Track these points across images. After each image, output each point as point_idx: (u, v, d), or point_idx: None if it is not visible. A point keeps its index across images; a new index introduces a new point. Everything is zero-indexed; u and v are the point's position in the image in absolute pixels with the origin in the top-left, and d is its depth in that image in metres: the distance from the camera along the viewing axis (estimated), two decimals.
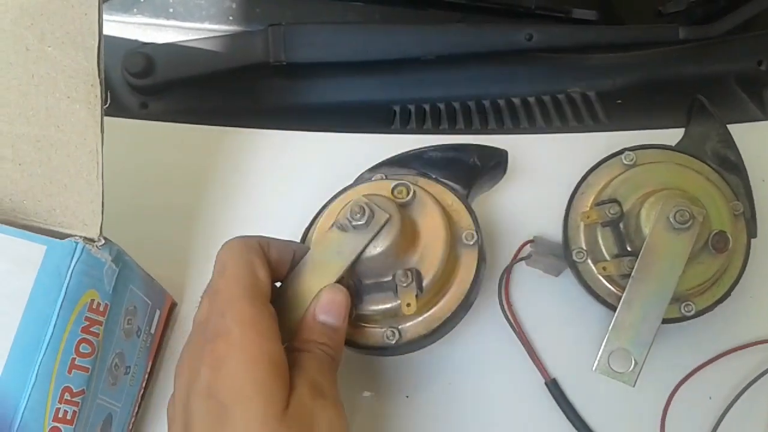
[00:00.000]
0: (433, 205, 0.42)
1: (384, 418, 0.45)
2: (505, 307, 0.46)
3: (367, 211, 0.39)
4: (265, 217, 0.50)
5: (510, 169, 0.51)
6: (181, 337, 0.47)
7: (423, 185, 0.44)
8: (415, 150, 0.46)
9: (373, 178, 0.45)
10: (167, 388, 0.45)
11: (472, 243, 0.43)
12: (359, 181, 0.46)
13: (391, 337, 0.42)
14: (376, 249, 0.39)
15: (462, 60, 0.61)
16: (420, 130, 0.57)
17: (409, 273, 0.40)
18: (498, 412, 0.45)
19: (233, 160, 0.53)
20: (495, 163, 0.47)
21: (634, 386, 0.40)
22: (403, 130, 0.58)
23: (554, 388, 0.45)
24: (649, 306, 0.41)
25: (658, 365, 0.45)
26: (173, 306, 0.47)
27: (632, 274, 0.41)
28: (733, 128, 0.53)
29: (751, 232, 0.45)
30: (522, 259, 0.47)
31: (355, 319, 0.42)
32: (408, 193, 0.42)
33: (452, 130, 0.57)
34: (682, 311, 0.44)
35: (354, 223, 0.39)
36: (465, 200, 0.44)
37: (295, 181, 0.51)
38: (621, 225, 0.44)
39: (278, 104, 0.61)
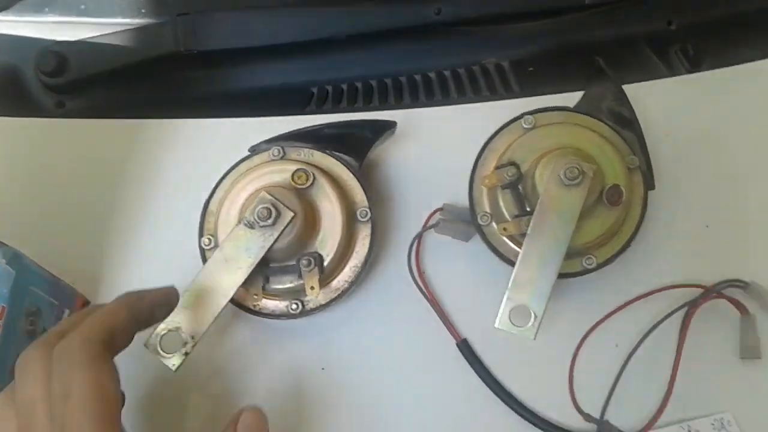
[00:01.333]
0: (331, 189, 0.44)
1: (301, 390, 0.46)
2: (416, 273, 0.47)
3: (274, 212, 0.40)
4: (182, 206, 0.50)
5: (423, 140, 0.53)
6: None
7: (318, 159, 0.46)
8: (311, 127, 0.47)
9: (270, 150, 0.46)
10: None
11: (366, 219, 0.45)
12: (257, 150, 0.47)
13: (295, 309, 0.44)
14: (282, 243, 0.41)
15: (376, 38, 0.62)
16: (336, 110, 0.58)
17: (311, 259, 0.42)
18: (413, 375, 0.46)
19: (150, 151, 0.53)
20: (387, 134, 0.48)
21: (534, 339, 0.41)
22: (319, 110, 0.58)
23: (465, 347, 0.46)
24: (545, 261, 0.42)
25: (566, 318, 0.47)
26: (85, 304, 0.47)
27: (528, 231, 0.42)
28: (640, 86, 0.55)
29: (649, 185, 0.47)
30: (432, 226, 0.48)
31: (263, 293, 0.43)
32: (308, 179, 0.43)
33: (367, 108, 0.58)
34: (584, 265, 0.45)
35: (261, 223, 0.40)
36: (359, 174, 0.46)
37: (214, 168, 0.51)
38: (520, 186, 0.45)
39: (197, 93, 0.61)
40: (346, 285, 0.45)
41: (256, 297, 0.43)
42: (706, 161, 0.51)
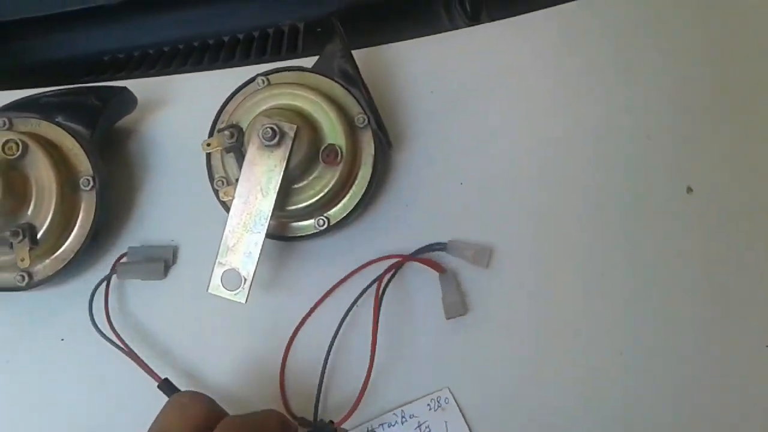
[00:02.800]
0: (44, 157, 0.44)
1: (41, 362, 0.46)
2: (104, 325, 0.44)
3: None
4: None
5: (181, 106, 0.53)
6: None
7: (45, 129, 0.46)
8: (32, 95, 0.47)
9: None
10: None
11: (89, 188, 0.45)
12: None
13: (21, 281, 0.44)
14: None
15: (168, 3, 0.61)
16: (113, 78, 0.58)
17: (20, 230, 0.42)
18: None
19: None
20: (118, 100, 0.48)
21: (245, 302, 0.41)
22: (98, 78, 0.58)
23: (167, 387, 0.41)
24: (251, 223, 0.42)
25: (303, 283, 0.47)
26: None
27: (234, 194, 0.42)
28: (414, 42, 0.54)
29: (384, 142, 0.46)
30: (114, 274, 0.46)
31: None
32: (18, 149, 0.43)
33: (146, 74, 0.58)
34: (316, 226, 0.45)
35: None
36: (85, 143, 0.46)
37: None
38: (243, 149, 0.45)
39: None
40: (72, 255, 0.45)
41: None
42: (467, 117, 0.51)
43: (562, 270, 0.45)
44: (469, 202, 0.48)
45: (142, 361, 0.43)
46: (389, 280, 0.45)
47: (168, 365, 0.45)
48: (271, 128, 0.41)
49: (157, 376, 0.42)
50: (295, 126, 0.42)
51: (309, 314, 0.45)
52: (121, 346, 0.43)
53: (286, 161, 0.42)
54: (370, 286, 0.44)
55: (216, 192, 0.46)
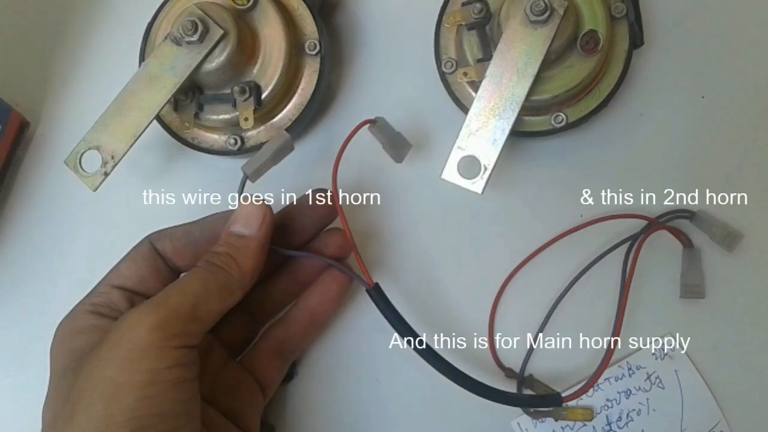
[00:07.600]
0: (276, 13, 0.40)
1: None
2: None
3: (201, 27, 0.37)
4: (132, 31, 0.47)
5: None
6: (37, 159, 0.46)
7: None
8: None
9: None
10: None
11: (314, 53, 0.41)
12: None
13: (233, 144, 0.41)
14: (211, 65, 0.38)
15: None
16: None
17: (247, 88, 0.39)
18: None
19: None
20: None
21: (481, 193, 0.38)
22: None
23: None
24: (501, 107, 0.38)
25: (527, 183, 0.43)
26: (24, 125, 0.45)
27: (485, 73, 0.38)
28: None
29: (636, 39, 0.41)
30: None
31: (197, 123, 0.41)
32: (248, 0, 0.39)
33: None
34: (553, 123, 0.41)
35: (187, 39, 0.37)
36: (311, 3, 0.42)
37: None
38: (487, 28, 0.41)
39: None
40: (289, 123, 0.41)
41: (187, 126, 0.40)
42: (719, 23, 0.44)
43: None
44: (713, 115, 0.43)
45: None
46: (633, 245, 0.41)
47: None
48: (544, 2, 0.36)
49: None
50: (566, 3, 0.37)
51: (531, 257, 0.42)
52: None
53: (550, 41, 0.37)
54: (620, 245, 0.41)
55: (443, 75, 0.42)
